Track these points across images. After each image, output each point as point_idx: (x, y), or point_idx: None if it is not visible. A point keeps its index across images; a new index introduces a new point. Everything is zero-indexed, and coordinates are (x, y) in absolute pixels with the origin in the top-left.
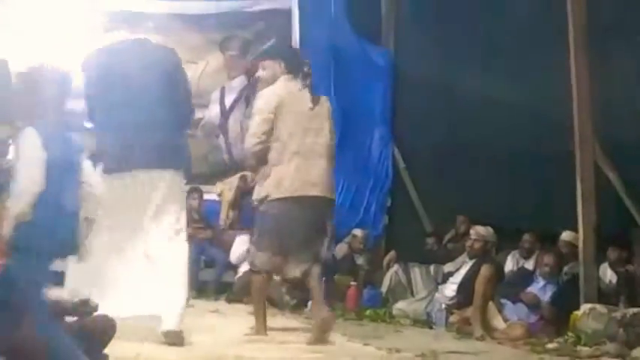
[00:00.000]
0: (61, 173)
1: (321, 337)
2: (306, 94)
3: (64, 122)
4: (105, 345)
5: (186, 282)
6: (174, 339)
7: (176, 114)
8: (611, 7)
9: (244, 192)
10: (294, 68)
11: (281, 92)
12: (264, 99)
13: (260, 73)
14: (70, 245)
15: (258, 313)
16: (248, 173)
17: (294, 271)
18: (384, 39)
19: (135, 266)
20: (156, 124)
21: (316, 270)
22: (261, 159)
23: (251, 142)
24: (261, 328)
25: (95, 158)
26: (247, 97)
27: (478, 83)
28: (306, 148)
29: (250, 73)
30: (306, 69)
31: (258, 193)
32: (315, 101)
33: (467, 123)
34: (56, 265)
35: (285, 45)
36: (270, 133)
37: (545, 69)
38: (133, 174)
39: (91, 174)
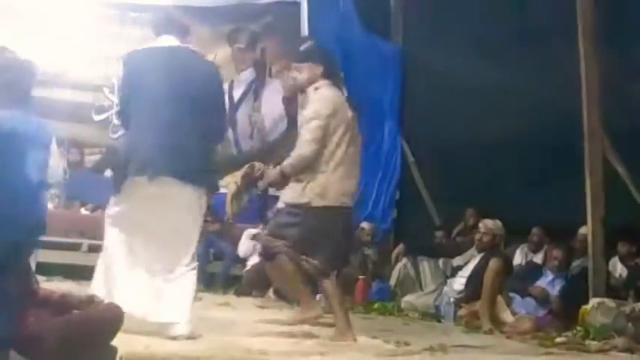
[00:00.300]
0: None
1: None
2: (346, 103)
3: (29, 108)
4: (114, 334)
5: (192, 297)
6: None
7: (208, 126)
8: (616, 7)
9: (250, 182)
10: (332, 74)
11: (335, 99)
12: (321, 104)
13: (295, 75)
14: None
15: (302, 295)
16: (256, 163)
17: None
18: (393, 32)
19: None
20: (188, 134)
21: (333, 279)
22: (310, 165)
23: (310, 148)
24: (306, 312)
25: (121, 162)
26: (256, 90)
27: (487, 77)
28: (349, 158)
29: (259, 67)
30: (339, 75)
31: (294, 196)
32: (353, 108)
33: (475, 116)
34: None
35: (322, 48)
36: (324, 139)
37: (554, 61)
38: (157, 184)
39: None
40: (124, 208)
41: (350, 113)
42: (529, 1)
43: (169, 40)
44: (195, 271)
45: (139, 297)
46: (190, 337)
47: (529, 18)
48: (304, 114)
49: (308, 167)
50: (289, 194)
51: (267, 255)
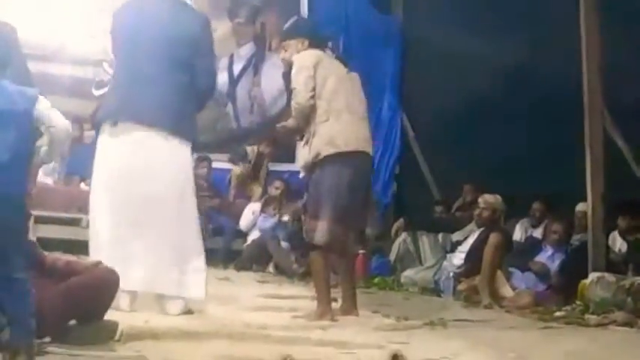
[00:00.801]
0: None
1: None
2: (339, 62)
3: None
4: (112, 298)
5: (202, 251)
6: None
7: (198, 81)
8: None
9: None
10: (318, 45)
11: (317, 53)
12: (301, 59)
13: (283, 54)
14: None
15: (322, 294)
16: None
17: (354, 247)
18: (394, 6)
19: (150, 240)
20: (173, 85)
21: (353, 245)
22: (308, 117)
23: (304, 97)
24: (327, 310)
25: (103, 108)
26: (256, 65)
27: (487, 50)
28: (353, 106)
29: (259, 41)
30: (332, 47)
31: (305, 156)
32: (348, 67)
33: (476, 91)
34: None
35: (307, 22)
36: (314, 91)
37: (554, 35)
38: (142, 135)
39: (53, 116)
40: (111, 156)
41: (345, 70)
42: None
43: None
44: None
45: (143, 269)
46: (188, 312)
47: None
48: (293, 71)
49: (308, 117)
50: (301, 160)
51: (307, 247)
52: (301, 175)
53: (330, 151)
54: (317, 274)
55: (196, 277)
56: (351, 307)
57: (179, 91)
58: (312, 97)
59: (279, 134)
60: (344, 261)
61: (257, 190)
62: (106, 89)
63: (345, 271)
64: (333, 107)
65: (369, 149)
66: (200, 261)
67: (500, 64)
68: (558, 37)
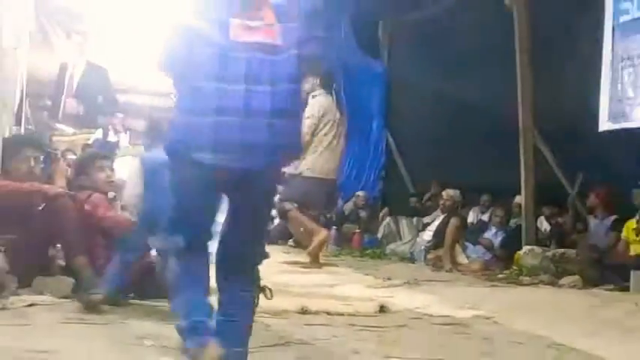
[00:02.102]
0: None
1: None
2: (335, 107)
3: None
4: None
5: None
6: None
7: None
8: (545, 26)
9: None
10: (327, 84)
11: (324, 103)
12: (314, 108)
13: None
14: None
15: (307, 232)
16: None
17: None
18: (381, 52)
19: None
20: None
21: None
22: (305, 149)
23: (307, 135)
24: (317, 234)
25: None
26: None
27: (450, 86)
28: (333, 147)
29: None
30: (335, 86)
31: (292, 169)
32: (341, 112)
33: (441, 115)
34: None
35: (321, 65)
36: (314, 132)
37: (498, 75)
38: None
39: None
40: None
41: (338, 115)
42: (480, 31)
43: None
44: None
45: None
46: None
47: (482, 43)
48: (304, 114)
49: (305, 147)
50: (290, 168)
51: (282, 214)
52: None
53: (307, 174)
54: (294, 222)
55: None
56: (316, 263)
57: None
58: (311, 136)
59: None
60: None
61: None
62: None
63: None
64: (320, 145)
65: (334, 176)
66: None
67: (459, 95)
68: (501, 76)
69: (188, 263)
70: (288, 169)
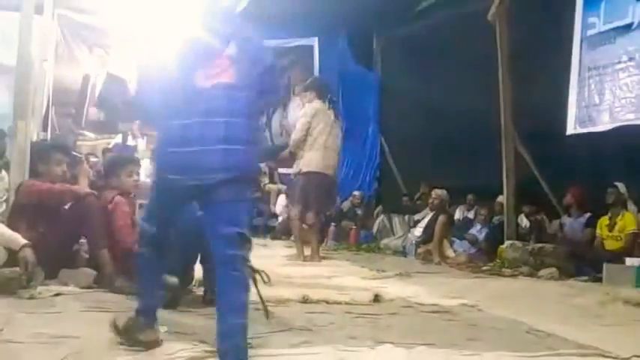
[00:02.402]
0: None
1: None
2: (331, 112)
3: None
4: None
5: None
6: None
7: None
8: (524, 40)
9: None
10: (322, 95)
11: (316, 106)
12: (307, 110)
13: (302, 98)
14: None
15: (298, 245)
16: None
17: (311, 220)
18: (375, 65)
19: None
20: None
21: (318, 222)
22: (300, 146)
23: (298, 134)
24: (300, 254)
25: None
26: (284, 104)
27: (438, 94)
28: (329, 144)
29: (287, 88)
30: (331, 97)
31: (294, 169)
32: (337, 117)
33: (430, 121)
34: None
35: (319, 81)
36: (307, 131)
37: (482, 84)
38: None
39: None
40: None
41: (332, 118)
42: (465, 44)
43: None
44: None
45: None
46: None
47: (466, 55)
48: (299, 115)
49: (300, 147)
50: (293, 169)
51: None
52: (290, 176)
53: (305, 169)
54: (295, 232)
55: None
56: (316, 256)
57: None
58: (304, 135)
59: (282, 157)
60: (313, 229)
61: (273, 187)
62: None
63: (313, 235)
64: (316, 142)
65: (331, 172)
66: None
67: (446, 101)
68: (485, 84)
69: (151, 251)
70: (290, 170)
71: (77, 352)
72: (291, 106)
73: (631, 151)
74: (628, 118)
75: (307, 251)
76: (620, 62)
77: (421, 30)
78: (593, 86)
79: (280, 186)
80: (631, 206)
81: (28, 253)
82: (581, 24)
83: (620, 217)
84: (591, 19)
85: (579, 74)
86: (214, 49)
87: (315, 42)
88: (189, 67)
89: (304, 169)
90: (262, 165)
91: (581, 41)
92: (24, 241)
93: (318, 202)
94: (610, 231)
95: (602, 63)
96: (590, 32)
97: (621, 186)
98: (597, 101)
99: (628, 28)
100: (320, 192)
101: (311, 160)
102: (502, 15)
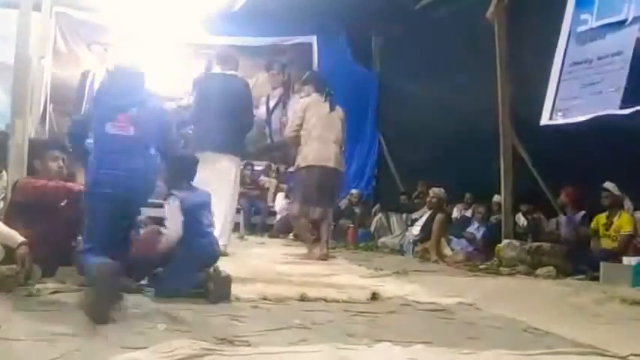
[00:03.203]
0: (199, 213)
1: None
2: (326, 104)
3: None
4: None
5: (231, 221)
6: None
7: (242, 121)
8: (522, 38)
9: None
10: (319, 89)
11: (308, 101)
12: (299, 105)
13: (301, 93)
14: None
15: (307, 242)
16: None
17: (314, 214)
18: (373, 64)
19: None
20: (231, 126)
21: (328, 216)
22: (295, 142)
23: (288, 131)
24: (310, 252)
25: (190, 140)
26: (284, 101)
27: (437, 94)
28: (324, 136)
29: (286, 86)
30: (328, 90)
31: (294, 166)
32: (332, 109)
33: (428, 120)
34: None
35: (315, 74)
36: (300, 126)
37: (481, 84)
38: (215, 156)
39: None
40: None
41: (326, 108)
42: (464, 44)
43: (225, 69)
44: (234, 209)
45: None
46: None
47: (465, 52)
48: (291, 112)
49: (296, 143)
50: (293, 167)
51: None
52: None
53: (302, 164)
54: (301, 230)
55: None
56: (325, 254)
57: (234, 130)
58: (296, 130)
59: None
60: (322, 226)
61: (273, 182)
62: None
63: (322, 232)
64: (310, 136)
65: (332, 164)
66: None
67: (444, 101)
68: (483, 83)
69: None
70: (291, 168)
71: (75, 349)
72: (291, 104)
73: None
74: (608, 109)
75: (306, 250)
76: (607, 56)
77: (419, 28)
78: (577, 80)
79: (278, 183)
80: (627, 203)
81: (26, 251)
82: (572, 20)
83: (617, 217)
84: (583, 16)
85: (561, 68)
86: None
87: (314, 40)
88: (105, 119)
89: (302, 164)
90: (264, 163)
91: (569, 37)
92: (21, 239)
93: (321, 195)
94: (607, 230)
95: (591, 57)
96: (580, 29)
97: (612, 187)
98: (577, 94)
99: (621, 24)
100: (321, 185)
101: (307, 155)
102: (501, 13)
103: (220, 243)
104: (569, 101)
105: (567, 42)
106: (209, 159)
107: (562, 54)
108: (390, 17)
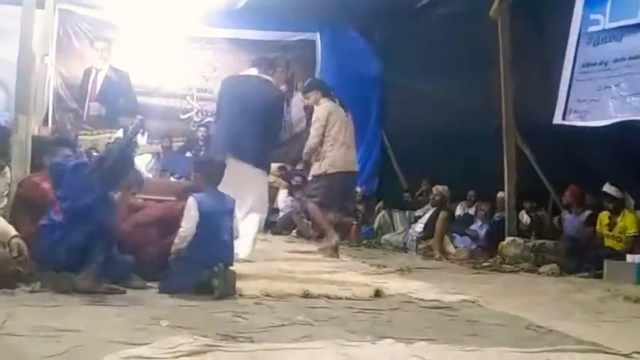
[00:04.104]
0: (217, 217)
1: (334, 253)
2: (342, 109)
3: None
4: None
5: (254, 235)
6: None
7: (270, 130)
8: (525, 42)
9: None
10: (326, 93)
11: (329, 106)
12: (320, 113)
13: (306, 101)
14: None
15: (328, 230)
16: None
17: (336, 218)
18: (377, 61)
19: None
20: (257, 134)
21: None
22: (315, 150)
23: (314, 140)
24: (332, 244)
25: (214, 144)
26: (287, 99)
27: (439, 91)
28: (347, 141)
29: (289, 84)
30: (334, 93)
31: (316, 170)
32: (346, 110)
33: (431, 117)
34: None
35: (318, 81)
36: (324, 134)
37: (485, 80)
38: (238, 164)
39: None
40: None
41: (343, 112)
42: (468, 39)
43: (253, 71)
44: (258, 217)
45: None
46: (247, 260)
47: (469, 52)
48: (312, 119)
49: (315, 152)
50: (314, 170)
51: (304, 210)
52: (309, 177)
53: (331, 170)
54: (327, 232)
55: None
56: (335, 253)
57: (261, 138)
58: (320, 140)
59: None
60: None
61: (282, 183)
62: (189, 114)
63: (326, 225)
64: (336, 142)
65: (352, 168)
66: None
67: (448, 99)
68: (487, 82)
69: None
70: (312, 171)
71: (78, 345)
72: (294, 102)
73: (629, 147)
74: (625, 114)
75: (308, 247)
76: (624, 59)
77: (423, 26)
78: (589, 81)
79: (281, 181)
80: (628, 200)
81: (20, 240)
82: (582, 20)
83: (620, 217)
84: (594, 16)
85: (572, 69)
86: None
87: (317, 37)
88: None
89: (330, 171)
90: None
91: (579, 37)
92: (14, 232)
93: (341, 199)
94: (610, 230)
95: (604, 59)
96: (592, 29)
97: (614, 190)
98: (594, 97)
99: (637, 27)
100: (343, 190)
101: (335, 161)
102: (504, 11)
103: (238, 253)
104: (585, 103)
105: (578, 42)
106: (234, 164)
107: (573, 54)
108: (394, 14)
